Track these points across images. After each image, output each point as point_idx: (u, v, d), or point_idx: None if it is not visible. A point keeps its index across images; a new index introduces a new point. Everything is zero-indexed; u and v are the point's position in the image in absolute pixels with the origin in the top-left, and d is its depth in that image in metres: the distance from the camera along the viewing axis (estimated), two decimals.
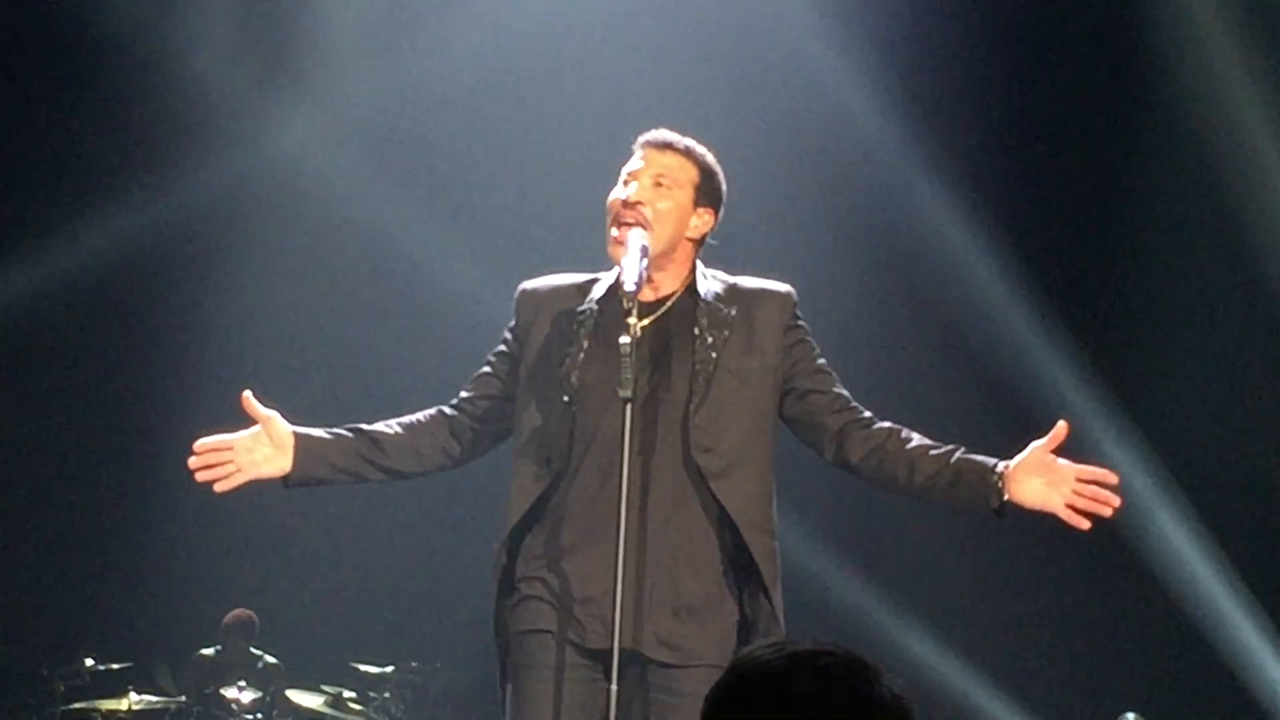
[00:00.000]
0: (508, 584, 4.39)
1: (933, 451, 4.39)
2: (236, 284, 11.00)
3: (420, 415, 4.57)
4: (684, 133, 4.61)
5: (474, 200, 10.55)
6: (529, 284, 4.55)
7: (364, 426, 4.58)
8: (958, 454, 4.39)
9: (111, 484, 11.03)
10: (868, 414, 4.49)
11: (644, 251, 4.31)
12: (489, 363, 4.54)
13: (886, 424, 4.47)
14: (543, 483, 4.31)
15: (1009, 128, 10.39)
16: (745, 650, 2.23)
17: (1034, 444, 4.35)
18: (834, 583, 10.30)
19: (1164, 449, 10.17)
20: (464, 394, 4.56)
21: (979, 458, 4.37)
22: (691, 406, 4.29)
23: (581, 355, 4.33)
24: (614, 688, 4.12)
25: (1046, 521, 4.32)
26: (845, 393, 4.51)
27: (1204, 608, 10.05)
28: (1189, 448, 10.21)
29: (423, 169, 10.62)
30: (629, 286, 4.24)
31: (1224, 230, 10.06)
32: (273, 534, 10.92)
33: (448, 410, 4.55)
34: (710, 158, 4.52)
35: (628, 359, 4.14)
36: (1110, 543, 10.15)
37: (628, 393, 4.14)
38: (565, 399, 4.31)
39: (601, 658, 4.23)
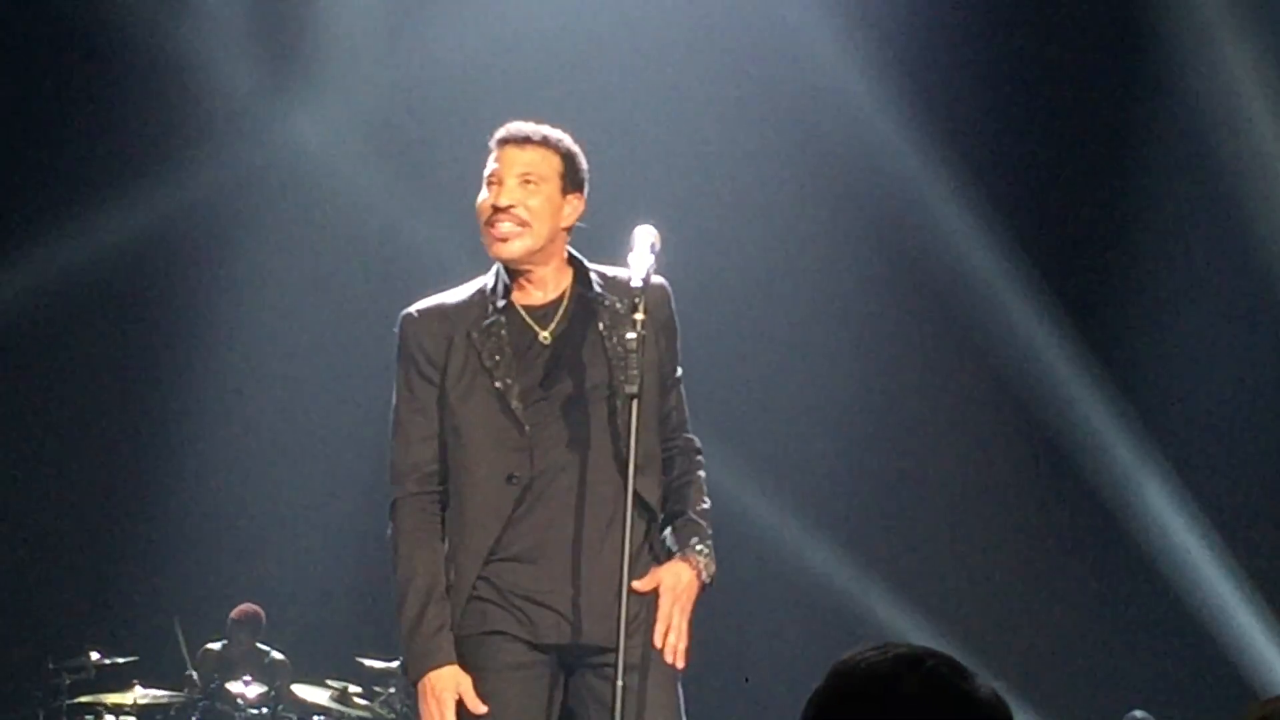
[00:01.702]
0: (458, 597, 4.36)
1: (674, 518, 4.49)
2: (243, 280, 11.00)
3: (427, 526, 4.39)
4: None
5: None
6: (418, 309, 4.49)
7: (438, 584, 4.35)
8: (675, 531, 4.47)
9: (117, 479, 11.03)
10: (677, 441, 4.52)
11: (652, 248, 4.33)
12: (417, 417, 4.38)
13: (676, 467, 4.49)
14: (511, 501, 4.30)
15: (1013, 119, 10.38)
16: (847, 654, 2.24)
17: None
18: (839, 579, 10.29)
19: (1173, 447, 10.17)
20: (423, 468, 4.38)
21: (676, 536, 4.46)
22: (619, 402, 4.30)
23: (511, 365, 4.33)
24: (620, 683, 4.14)
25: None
26: (678, 417, 4.52)
27: (1212, 606, 10.04)
28: (1198, 446, 10.20)
29: (429, 165, 10.61)
30: (635, 283, 4.25)
31: (1226, 220, 10.05)
32: (278, 529, 10.93)
33: (432, 507, 4.40)
34: (568, 141, 4.47)
35: (635, 355, 4.17)
36: (1119, 542, 10.15)
37: (634, 388, 4.17)
38: (516, 412, 4.30)
39: (552, 652, 4.31)
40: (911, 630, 10.05)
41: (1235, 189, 9.98)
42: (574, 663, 4.33)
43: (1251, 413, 10.30)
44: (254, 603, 10.34)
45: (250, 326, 11.00)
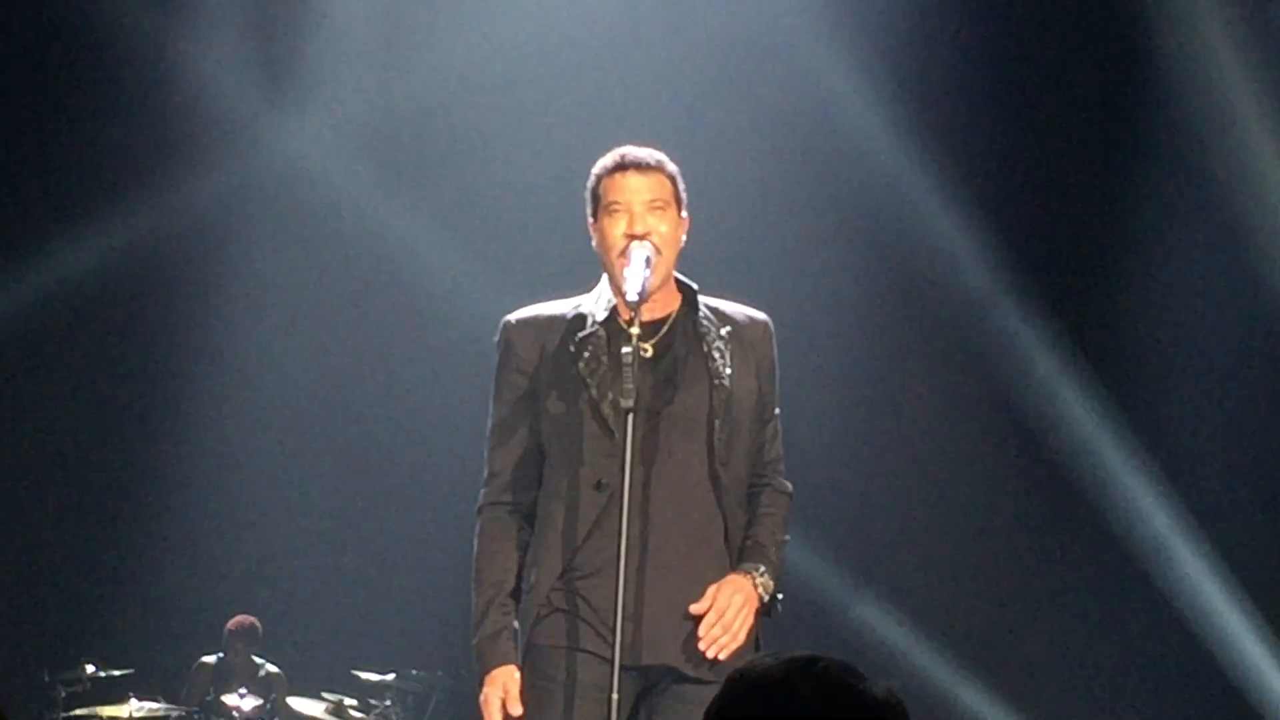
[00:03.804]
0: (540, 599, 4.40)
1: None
2: (239, 290, 11.01)
3: (502, 533, 4.45)
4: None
5: (475, 205, 10.56)
6: (519, 317, 4.51)
7: (503, 589, 4.42)
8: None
9: (113, 490, 11.03)
10: (770, 480, 4.56)
11: (647, 263, 4.33)
12: (508, 423, 4.45)
13: (762, 503, 4.51)
14: (599, 504, 4.33)
15: (1008, 129, 10.39)
16: (744, 663, 2.29)
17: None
18: (836, 593, 10.29)
19: (1165, 456, 10.16)
20: (506, 476, 4.44)
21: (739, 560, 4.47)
22: (717, 423, 4.36)
23: (607, 376, 4.34)
24: (615, 696, 4.16)
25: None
26: (773, 453, 4.56)
27: (1209, 622, 10.03)
28: (1192, 455, 10.20)
29: (424, 174, 10.62)
30: (631, 297, 4.27)
31: (1221, 226, 10.06)
32: (274, 541, 10.92)
33: (509, 515, 4.45)
34: (671, 162, 4.50)
35: (630, 369, 4.19)
36: (1116, 557, 10.15)
37: (629, 402, 4.19)
38: (607, 419, 4.31)
39: (633, 672, 4.29)
40: (905, 643, 10.05)
41: (1229, 194, 9.98)
42: (652, 685, 4.33)
43: (1251, 425, 10.30)
44: (250, 614, 10.34)
45: (246, 337, 11.00)
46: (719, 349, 4.41)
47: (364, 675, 9.76)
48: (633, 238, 4.35)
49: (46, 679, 9.49)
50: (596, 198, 4.45)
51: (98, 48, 10.44)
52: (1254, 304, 10.05)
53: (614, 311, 4.41)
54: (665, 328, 4.42)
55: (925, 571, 10.51)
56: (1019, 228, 10.34)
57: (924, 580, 10.48)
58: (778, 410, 4.57)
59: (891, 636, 10.13)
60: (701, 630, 4.29)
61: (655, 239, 4.36)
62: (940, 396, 10.67)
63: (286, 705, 9.69)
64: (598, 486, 4.32)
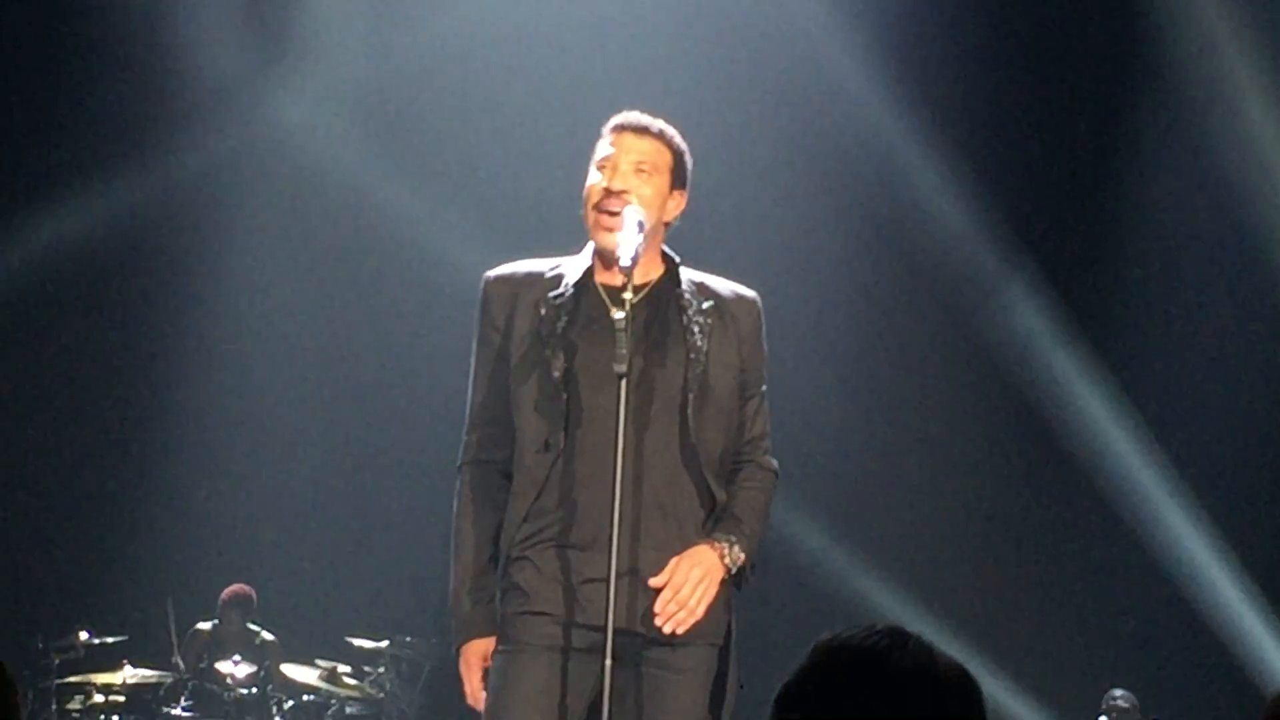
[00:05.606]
0: (505, 565, 4.41)
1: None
2: (229, 260, 11.01)
3: (480, 495, 4.46)
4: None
5: (467, 176, 10.56)
6: (496, 273, 4.54)
7: (482, 556, 4.43)
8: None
9: (107, 458, 11.04)
10: (753, 456, 4.52)
11: (640, 227, 4.32)
12: (485, 379, 4.46)
13: (743, 477, 4.48)
14: (545, 465, 4.33)
15: (1011, 115, 10.40)
16: (832, 633, 2.25)
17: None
18: (828, 564, 10.31)
19: (1160, 428, 10.20)
20: (481, 434, 4.46)
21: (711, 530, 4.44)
22: (691, 395, 4.34)
23: (568, 337, 4.35)
24: (609, 663, 4.13)
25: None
26: (756, 429, 4.53)
27: (1195, 584, 10.08)
28: (1186, 427, 10.23)
29: (415, 145, 10.62)
30: (625, 261, 4.25)
31: (1223, 211, 10.08)
32: (268, 509, 10.94)
33: (485, 474, 4.47)
34: (679, 139, 4.50)
35: (623, 334, 4.17)
36: (1104, 519, 10.19)
37: (623, 368, 4.16)
38: (556, 380, 4.32)
39: (596, 633, 4.24)
40: (893, 605, 10.08)
41: (1232, 180, 10.01)
42: (620, 650, 4.27)
43: (1247, 401, 10.33)
44: (244, 583, 10.36)
45: (239, 308, 11.00)
46: (698, 321, 4.39)
47: (358, 642, 9.78)
48: (609, 192, 4.35)
49: (40, 646, 9.50)
50: (593, 153, 4.47)
51: (91, 16, 10.42)
52: (1251, 278, 10.09)
53: (587, 274, 4.42)
54: (645, 293, 4.39)
55: (925, 544, 10.54)
56: (1021, 206, 10.39)
57: (921, 551, 10.51)
58: (764, 388, 4.53)
59: (892, 610, 10.16)
60: (658, 606, 4.28)
61: (631, 198, 4.35)
62: (941, 372, 10.70)
63: (281, 672, 9.71)
64: (545, 447, 4.32)
